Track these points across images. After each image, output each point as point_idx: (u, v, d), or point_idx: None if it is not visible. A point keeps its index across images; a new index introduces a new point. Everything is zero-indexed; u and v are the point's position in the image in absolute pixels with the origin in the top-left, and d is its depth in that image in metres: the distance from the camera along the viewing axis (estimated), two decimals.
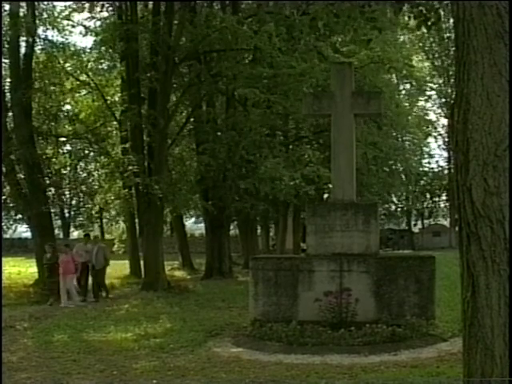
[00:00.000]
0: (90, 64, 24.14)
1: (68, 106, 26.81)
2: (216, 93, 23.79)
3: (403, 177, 41.62)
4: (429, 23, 7.48)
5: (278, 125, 25.76)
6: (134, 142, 21.27)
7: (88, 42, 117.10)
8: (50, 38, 25.00)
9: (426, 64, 47.39)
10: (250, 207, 25.51)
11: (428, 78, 47.32)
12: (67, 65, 24.45)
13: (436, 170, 52.06)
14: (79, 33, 67.63)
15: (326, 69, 19.62)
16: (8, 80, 22.54)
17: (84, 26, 24.99)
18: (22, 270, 28.07)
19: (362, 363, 8.95)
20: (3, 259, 19.01)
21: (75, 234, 62.84)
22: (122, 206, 24.10)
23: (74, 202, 52.67)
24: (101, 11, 24.71)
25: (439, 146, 51.97)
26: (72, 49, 24.19)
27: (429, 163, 51.85)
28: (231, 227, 35.91)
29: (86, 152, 30.58)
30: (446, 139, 49.45)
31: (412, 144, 44.01)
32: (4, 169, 20.67)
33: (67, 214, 55.06)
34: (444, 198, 52.55)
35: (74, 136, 25.81)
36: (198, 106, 24.30)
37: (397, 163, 38.44)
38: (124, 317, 14.35)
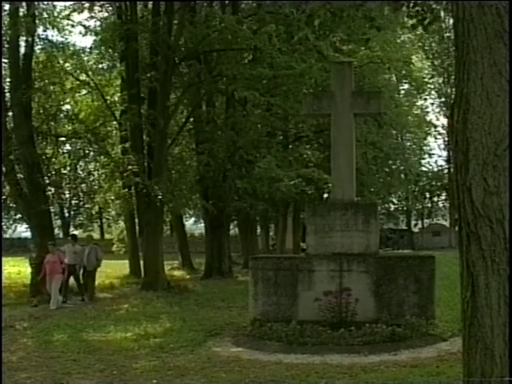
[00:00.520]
0: (89, 64, 24.15)
1: (68, 106, 26.81)
2: (216, 93, 23.80)
3: (403, 176, 41.61)
4: (425, 23, 7.48)
5: (278, 125, 25.76)
6: (134, 142, 21.28)
7: (88, 41, 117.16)
8: (49, 37, 25.03)
9: (426, 64, 47.39)
10: (249, 207, 25.52)
11: (428, 78, 47.33)
12: (67, 65, 24.44)
13: (436, 169, 52.11)
14: (79, 33, 67.61)
15: (325, 68, 19.64)
16: (8, 80, 22.52)
17: (84, 26, 24.99)
18: (22, 269, 28.03)
19: (362, 363, 8.95)
20: (3, 259, 18.98)
21: (75, 233, 62.83)
22: (121, 205, 24.10)
23: (73, 202, 52.67)
24: (100, 11, 24.73)
25: (439, 145, 52.05)
26: (72, 49, 24.21)
27: (428, 163, 51.94)
28: (231, 227, 35.93)
29: (86, 152, 30.54)
30: (446, 139, 49.47)
31: (412, 144, 44.04)
32: (4, 168, 20.65)
33: (67, 214, 55.09)
34: (444, 197, 52.56)
35: (74, 136, 25.79)
36: (198, 105, 24.30)
37: (396, 163, 38.46)
38: (124, 316, 14.35)
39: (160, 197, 19.42)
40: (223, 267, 25.11)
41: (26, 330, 12.82)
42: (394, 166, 37.93)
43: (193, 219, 52.96)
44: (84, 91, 25.07)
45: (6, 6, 20.59)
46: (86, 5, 23.54)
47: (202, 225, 36.27)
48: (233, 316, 13.96)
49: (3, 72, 21.87)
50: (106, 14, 25.21)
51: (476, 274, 3.78)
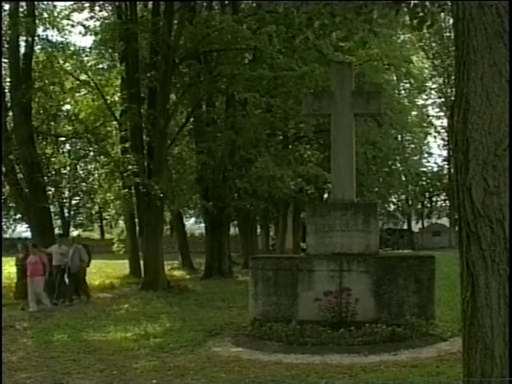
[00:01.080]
0: (89, 64, 24.13)
1: (68, 106, 26.80)
2: (216, 93, 23.80)
3: (403, 176, 41.63)
4: (425, 25, 7.47)
5: (278, 125, 25.78)
6: (134, 142, 21.28)
7: (88, 41, 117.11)
8: (49, 37, 24.92)
9: (426, 63, 47.40)
10: (249, 206, 25.52)
11: (428, 78, 47.34)
12: (67, 64, 24.45)
13: (436, 169, 52.10)
14: (79, 32, 67.54)
15: (326, 71, 19.65)
16: (8, 80, 22.53)
17: (84, 26, 24.99)
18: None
19: (362, 363, 8.95)
20: (3, 259, 18.96)
21: (75, 233, 62.87)
22: (121, 205, 24.11)
23: (73, 202, 52.64)
24: (100, 11, 24.69)
25: (439, 145, 52.06)
26: (72, 48, 24.18)
27: (428, 162, 51.94)
28: (231, 227, 35.92)
29: (86, 152, 30.55)
30: (446, 139, 49.47)
31: (412, 144, 44.06)
32: (4, 168, 20.66)
33: (67, 214, 55.05)
34: (444, 197, 52.56)
35: (74, 136, 25.79)
36: (198, 105, 24.30)
37: (396, 163, 38.47)
38: (124, 316, 14.35)
39: (160, 196, 19.42)
40: (223, 267, 25.10)
41: (25, 329, 12.81)
42: (393, 166, 37.96)
43: (193, 219, 52.95)
44: (84, 91, 25.06)
45: (6, 6, 20.60)
46: (86, 5, 23.53)
47: (202, 225, 36.28)
48: (233, 316, 13.96)
49: (3, 72, 21.87)
50: (105, 14, 25.21)
51: (476, 273, 3.78)
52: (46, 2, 23.93)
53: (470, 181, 3.81)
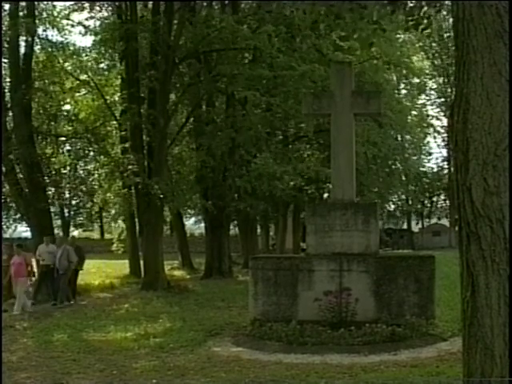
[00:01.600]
0: (89, 63, 24.14)
1: (68, 106, 26.82)
2: (216, 92, 23.80)
3: (403, 176, 41.63)
4: (420, 27, 7.49)
5: (278, 125, 25.77)
6: (134, 142, 21.28)
7: (87, 41, 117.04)
8: (49, 37, 24.93)
9: (426, 63, 47.40)
10: (249, 206, 25.52)
11: (428, 78, 47.34)
12: (67, 64, 24.45)
13: (435, 169, 52.10)
14: (79, 32, 67.54)
15: (326, 70, 19.65)
16: (8, 80, 22.52)
17: (83, 26, 25.01)
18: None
19: (362, 363, 8.95)
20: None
21: (75, 233, 62.86)
22: (121, 205, 24.11)
23: (73, 202, 52.63)
24: (100, 11, 24.70)
25: (438, 145, 52.05)
26: (72, 48, 24.18)
27: (428, 162, 51.94)
28: (231, 227, 35.91)
29: (86, 151, 30.57)
30: (446, 139, 49.46)
31: (411, 143, 44.03)
32: (4, 168, 20.65)
33: (67, 214, 55.03)
34: (444, 197, 52.57)
35: (74, 135, 25.79)
36: (198, 105, 24.30)
37: (396, 163, 38.47)
38: (124, 316, 14.35)
39: (160, 196, 19.42)
40: (223, 267, 25.10)
41: (25, 329, 12.81)
42: (393, 166, 37.95)
43: (193, 219, 52.95)
44: (84, 91, 25.07)
45: (6, 6, 20.60)
46: (86, 4, 23.54)
47: (202, 225, 36.29)
48: (233, 316, 13.96)
49: (3, 72, 21.86)
50: (105, 14, 25.22)
51: (476, 273, 3.78)
52: (45, 2, 23.94)
53: (470, 181, 3.81)
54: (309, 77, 20.04)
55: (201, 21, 20.82)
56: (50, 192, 26.00)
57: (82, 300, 18.13)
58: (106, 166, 23.83)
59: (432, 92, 50.64)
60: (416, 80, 39.40)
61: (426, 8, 7.28)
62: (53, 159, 26.18)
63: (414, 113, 41.27)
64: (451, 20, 4.54)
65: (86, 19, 24.99)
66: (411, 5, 6.98)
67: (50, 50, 23.54)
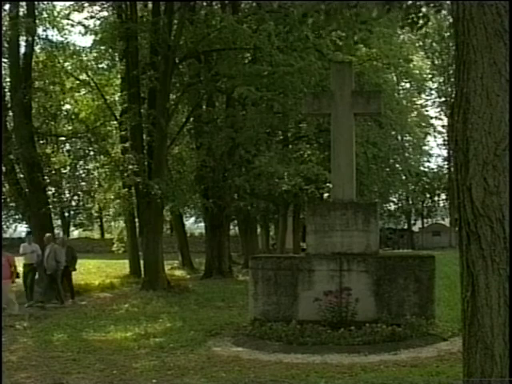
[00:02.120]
0: (89, 63, 24.12)
1: (68, 106, 26.80)
2: (216, 92, 23.79)
3: (403, 176, 41.63)
4: (416, 26, 7.48)
5: (278, 124, 25.77)
6: (134, 142, 21.29)
7: (88, 41, 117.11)
8: (49, 37, 24.96)
9: (426, 63, 47.39)
10: (249, 206, 25.53)
11: (428, 77, 47.31)
12: (67, 64, 24.43)
13: (436, 169, 52.12)
14: (79, 32, 67.50)
15: (324, 66, 19.64)
16: (8, 80, 22.52)
17: (83, 26, 24.99)
18: (22, 269, 28.02)
19: (362, 362, 8.95)
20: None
21: (75, 233, 62.88)
22: (121, 205, 24.10)
23: (73, 202, 52.62)
24: (100, 10, 24.69)
25: (438, 145, 52.06)
26: (72, 48, 24.17)
27: (428, 162, 51.95)
28: (231, 227, 35.92)
29: (86, 151, 30.56)
30: (446, 138, 49.48)
31: (412, 143, 44.01)
32: (4, 168, 20.65)
33: (67, 214, 55.02)
34: (444, 197, 52.58)
35: (74, 135, 25.79)
36: (198, 105, 24.31)
37: (396, 163, 38.47)
38: (124, 316, 14.36)
39: (161, 196, 19.42)
40: (223, 267, 25.11)
41: (25, 329, 12.81)
42: (394, 166, 37.96)
43: (193, 219, 52.97)
44: (84, 91, 25.06)
45: (6, 6, 20.60)
46: (86, 4, 23.53)
47: (202, 224, 36.27)
48: (233, 316, 13.96)
49: (3, 72, 21.86)
50: (105, 14, 25.21)
51: (476, 273, 3.78)
52: (45, 2, 23.93)
53: (470, 180, 3.81)
54: (306, 72, 20.02)
55: (201, 20, 20.82)
56: (50, 192, 25.98)
57: (81, 300, 18.13)
58: (106, 166, 23.81)
59: (432, 92, 50.66)
60: (416, 80, 39.33)
61: (424, 8, 7.28)
62: (53, 159, 26.16)
63: (414, 112, 41.28)
64: (451, 19, 4.54)
65: (86, 19, 25.03)
66: (409, 3, 6.98)
67: (50, 49, 23.52)
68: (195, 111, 24.17)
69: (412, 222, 54.11)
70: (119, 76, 23.84)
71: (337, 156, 12.08)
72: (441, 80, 49.48)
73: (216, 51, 21.53)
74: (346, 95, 11.95)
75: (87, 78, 24.10)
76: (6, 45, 20.89)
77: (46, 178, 22.84)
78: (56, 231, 27.42)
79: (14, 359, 9.78)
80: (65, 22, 25.57)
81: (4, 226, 46.22)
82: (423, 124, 44.63)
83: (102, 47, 22.93)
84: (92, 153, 28.95)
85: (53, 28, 24.76)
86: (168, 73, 20.15)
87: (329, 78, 14.90)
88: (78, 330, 12.44)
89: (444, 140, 50.69)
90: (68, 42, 25.00)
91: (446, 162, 50.60)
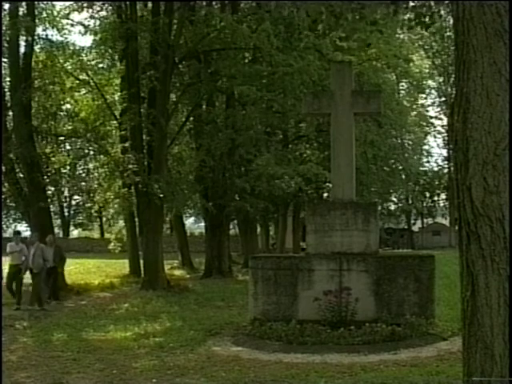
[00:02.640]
0: (89, 63, 24.11)
1: (68, 105, 26.76)
2: (215, 92, 23.79)
3: (403, 176, 41.65)
4: (423, 25, 7.48)
5: (277, 124, 25.78)
6: (134, 141, 21.29)
7: (87, 41, 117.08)
8: (49, 37, 24.87)
9: (426, 63, 47.41)
10: (249, 206, 25.52)
11: (428, 77, 47.33)
12: (67, 64, 24.41)
13: (435, 168, 52.13)
14: (78, 32, 67.40)
15: (323, 66, 19.64)
16: (8, 79, 22.50)
17: (83, 25, 24.99)
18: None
19: (362, 362, 8.95)
20: (3, 258, 18.92)
21: (75, 232, 62.89)
22: (121, 205, 24.10)
23: (73, 201, 52.64)
24: (100, 10, 24.68)
25: (438, 145, 52.08)
26: (71, 48, 24.15)
27: (428, 162, 51.97)
28: (231, 226, 35.91)
29: (86, 151, 30.54)
30: (446, 138, 49.49)
31: (411, 143, 44.05)
32: (4, 168, 20.64)
33: (67, 213, 55.05)
34: (444, 197, 52.59)
35: (74, 135, 25.75)
36: (198, 105, 24.30)
37: (396, 162, 38.49)
38: (124, 316, 14.35)
39: (160, 196, 19.42)
40: (223, 266, 25.11)
41: (25, 329, 12.81)
42: (394, 166, 37.98)
43: (193, 218, 52.99)
44: (84, 90, 25.03)
45: (6, 6, 20.58)
46: (86, 4, 23.50)
47: (202, 224, 36.29)
48: (233, 315, 13.96)
49: (3, 72, 21.84)
50: (105, 14, 25.19)
51: (476, 273, 3.78)
52: (45, 2, 23.92)
53: (470, 180, 3.81)
54: (305, 71, 20.02)
55: (201, 20, 20.80)
56: (49, 191, 25.96)
57: (81, 300, 18.13)
58: (105, 166, 23.81)
59: (432, 91, 50.67)
60: (416, 79, 39.34)
61: (434, 8, 7.27)
62: (52, 158, 26.14)
63: (413, 112, 41.30)
64: (451, 19, 4.54)
65: (86, 19, 25.02)
66: (413, 4, 6.98)
67: (49, 49, 23.50)
68: (195, 111, 24.17)
69: (412, 221, 54.16)
70: (119, 76, 23.82)
71: (337, 156, 12.08)
72: (441, 80, 49.48)
73: (216, 51, 21.53)
74: (346, 95, 11.95)
75: (87, 78, 24.09)
76: (6, 44, 20.88)
77: (45, 177, 22.83)
78: (56, 231, 27.41)
79: (13, 359, 9.78)
80: (65, 21, 25.58)
81: (4, 226, 46.22)
82: (423, 124, 44.67)
83: (102, 47, 22.93)
84: (92, 152, 28.93)
85: (52, 28, 24.73)
86: (168, 72, 20.15)
87: (329, 78, 14.91)
88: (78, 329, 12.44)
89: (444, 140, 50.70)
90: (68, 42, 25.02)
91: (445, 162, 50.61)
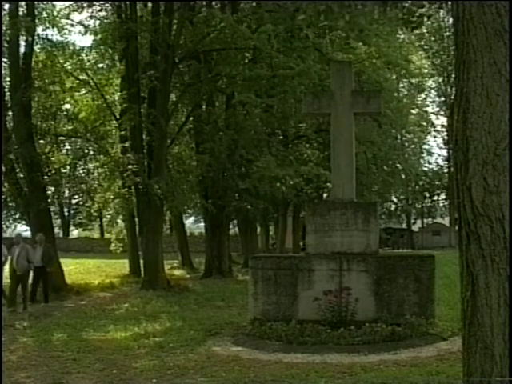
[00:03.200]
0: (89, 63, 24.12)
1: (68, 105, 26.77)
2: (215, 92, 23.80)
3: (403, 176, 41.65)
4: (411, 25, 7.49)
5: (278, 124, 25.78)
6: (134, 141, 21.30)
7: (87, 41, 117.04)
8: (49, 37, 24.87)
9: (426, 63, 47.41)
10: (249, 206, 25.54)
11: (427, 77, 47.33)
12: (67, 64, 24.42)
13: (435, 168, 52.12)
14: (78, 32, 67.32)
15: (324, 68, 19.63)
16: (8, 79, 22.49)
17: (83, 25, 25.00)
18: None
19: (362, 362, 8.95)
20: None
21: (75, 232, 62.89)
22: (121, 205, 24.11)
23: (73, 201, 52.63)
24: (100, 10, 24.69)
25: (438, 144, 52.08)
26: (71, 48, 24.16)
27: (428, 162, 51.96)
28: (231, 226, 35.90)
29: (86, 151, 30.57)
30: (446, 138, 49.49)
31: (411, 143, 44.05)
32: (3, 168, 20.63)
33: (67, 213, 55.05)
34: (444, 197, 52.59)
35: (74, 135, 25.78)
36: (198, 105, 24.30)
37: (396, 162, 38.49)
38: (124, 316, 14.35)
39: (160, 196, 19.42)
40: (223, 266, 25.11)
41: (25, 329, 12.81)
42: (394, 166, 37.97)
43: (193, 218, 52.99)
44: (84, 90, 25.05)
45: (6, 6, 20.58)
46: (86, 4, 23.52)
47: (202, 224, 36.29)
48: (232, 315, 13.96)
49: (3, 71, 21.84)
50: (105, 14, 25.20)
51: (476, 273, 3.78)
52: (45, 2, 23.91)
53: (470, 180, 3.81)
54: (305, 74, 20.03)
55: (201, 20, 20.81)
56: (49, 191, 25.96)
57: (81, 299, 18.13)
58: (105, 166, 23.82)
59: (432, 91, 50.67)
60: (416, 79, 39.36)
61: (425, 9, 7.29)
62: (52, 158, 26.14)
63: (413, 112, 41.30)
64: (451, 19, 4.55)
65: (86, 19, 25.04)
66: (406, 4, 6.99)
67: (49, 49, 23.50)
68: (195, 111, 24.17)
69: (412, 221, 54.16)
70: (119, 76, 23.83)
71: (337, 156, 12.08)
72: (440, 80, 49.49)
73: (216, 51, 21.53)
74: (346, 95, 11.95)
75: (87, 78, 24.10)
76: (6, 44, 20.87)
77: (45, 177, 22.83)
78: (56, 230, 27.41)
79: (13, 359, 9.78)
80: (64, 21, 25.59)
81: (4, 226, 46.20)
82: (423, 124, 44.66)
83: (102, 47, 22.94)
84: (92, 152, 28.95)
85: (53, 28, 24.74)
86: (168, 72, 20.16)
87: (329, 78, 14.90)
88: (78, 329, 12.44)
89: (444, 140, 50.70)
90: (68, 42, 25.03)
91: (445, 162, 50.61)
